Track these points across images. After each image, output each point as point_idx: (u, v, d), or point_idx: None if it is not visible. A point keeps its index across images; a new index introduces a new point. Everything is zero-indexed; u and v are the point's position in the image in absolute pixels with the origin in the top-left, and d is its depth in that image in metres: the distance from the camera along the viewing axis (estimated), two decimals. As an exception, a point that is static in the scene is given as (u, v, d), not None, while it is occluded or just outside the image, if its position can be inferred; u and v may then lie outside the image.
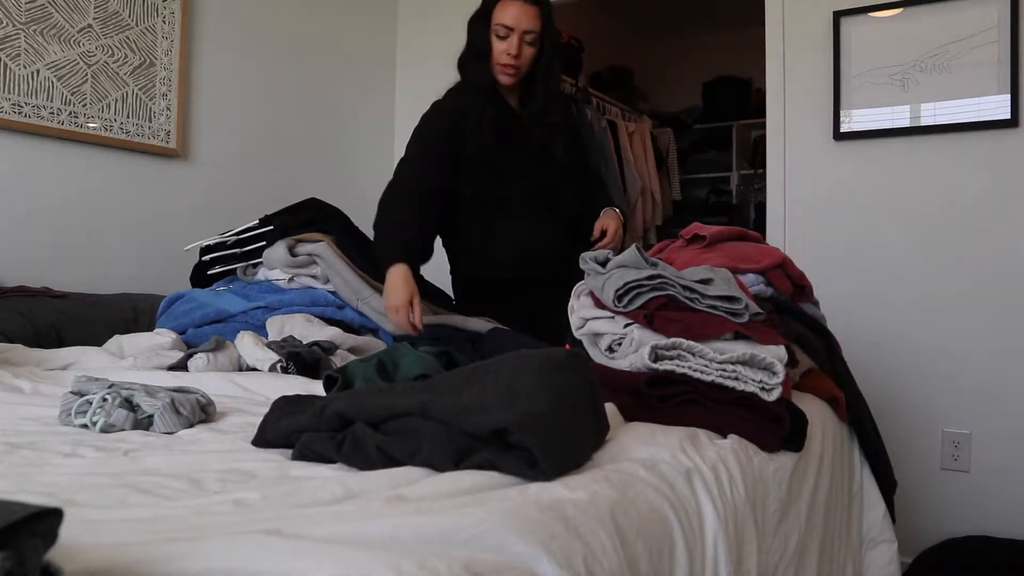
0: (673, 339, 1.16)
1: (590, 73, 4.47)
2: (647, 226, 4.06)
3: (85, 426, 1.05)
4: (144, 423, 1.07)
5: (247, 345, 1.60)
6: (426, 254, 1.91)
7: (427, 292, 1.97)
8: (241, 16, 2.88)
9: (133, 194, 2.52)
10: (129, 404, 1.08)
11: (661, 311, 1.21)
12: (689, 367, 1.13)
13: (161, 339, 1.72)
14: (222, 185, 2.80)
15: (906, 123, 2.48)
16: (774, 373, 1.12)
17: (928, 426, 2.44)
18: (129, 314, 2.04)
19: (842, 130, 2.57)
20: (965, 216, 2.40)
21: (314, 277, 1.92)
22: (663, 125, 4.85)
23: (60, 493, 0.72)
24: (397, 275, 1.74)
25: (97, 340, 1.83)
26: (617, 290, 1.23)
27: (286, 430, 0.92)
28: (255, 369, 1.56)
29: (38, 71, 2.24)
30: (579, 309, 1.34)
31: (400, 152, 2.01)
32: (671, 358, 1.15)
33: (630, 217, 3.78)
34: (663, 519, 0.79)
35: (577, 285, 1.40)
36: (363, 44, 3.44)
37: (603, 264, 1.33)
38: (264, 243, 1.97)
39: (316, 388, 1.32)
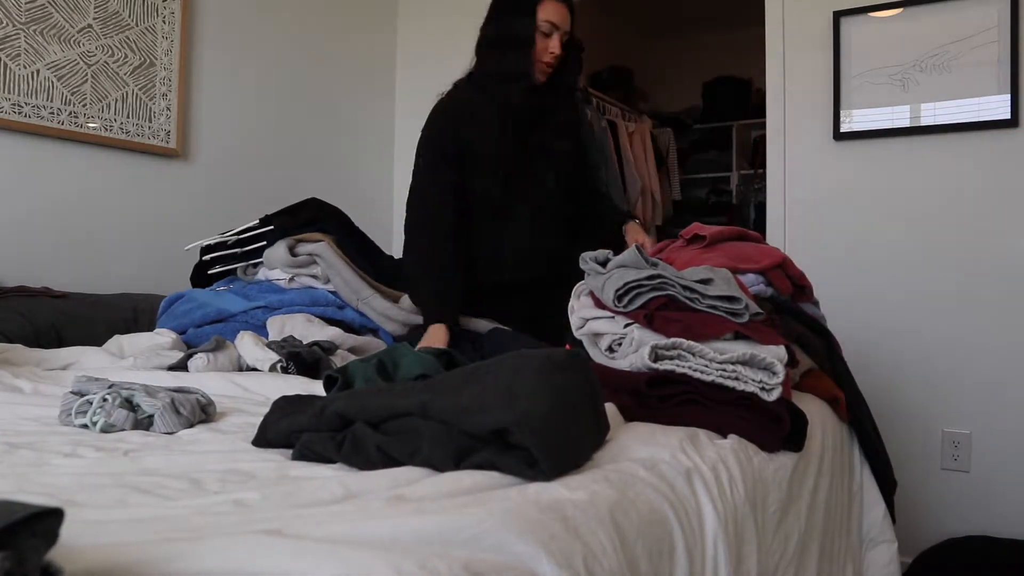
0: (673, 339, 1.16)
1: (590, 73, 4.47)
2: (647, 226, 4.06)
3: (85, 426, 1.05)
4: (144, 423, 1.07)
5: (247, 345, 1.60)
6: (462, 294, 1.90)
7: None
8: (241, 16, 2.88)
9: (133, 194, 2.52)
10: (129, 404, 1.08)
11: (661, 311, 1.21)
12: (689, 367, 1.13)
13: (161, 339, 1.72)
14: (222, 185, 2.80)
15: (906, 123, 2.48)
16: (774, 373, 1.12)
17: (928, 426, 2.44)
18: (129, 314, 2.04)
19: (842, 130, 2.57)
20: (965, 216, 2.40)
21: (314, 277, 1.92)
22: (663, 125, 4.85)
23: (60, 493, 0.72)
24: (438, 335, 1.76)
25: (97, 340, 1.83)
26: (617, 290, 1.23)
27: (286, 430, 0.92)
28: (255, 369, 1.56)
29: (38, 71, 2.24)
30: (579, 309, 1.34)
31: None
32: (671, 358, 1.15)
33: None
34: (663, 519, 0.79)
35: (577, 285, 1.40)
36: (363, 44, 3.44)
37: (603, 264, 1.33)
38: (264, 243, 1.97)
39: (316, 388, 1.32)
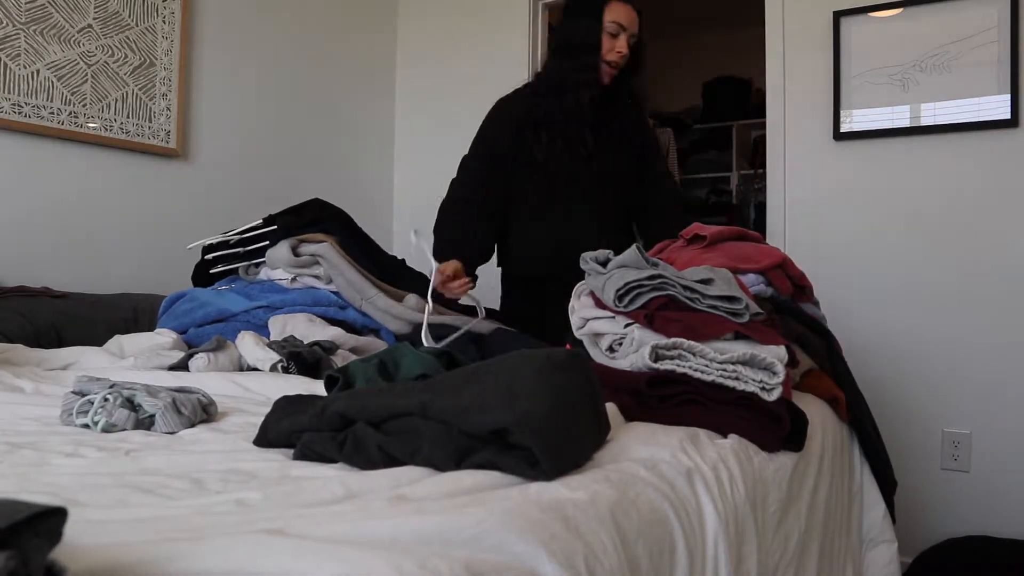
0: (673, 339, 1.16)
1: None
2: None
3: (86, 426, 1.05)
4: (145, 423, 1.07)
5: (248, 345, 1.60)
6: (480, 257, 2.02)
7: (432, 292, 1.98)
8: (241, 16, 2.88)
9: (133, 194, 2.52)
10: (130, 404, 1.08)
11: (661, 311, 1.21)
12: (689, 367, 1.13)
13: (162, 339, 1.72)
14: (222, 185, 2.80)
15: (906, 123, 2.48)
16: (774, 373, 1.12)
17: (928, 426, 2.44)
18: (129, 314, 2.04)
19: (842, 130, 2.57)
20: (965, 216, 2.40)
21: (317, 277, 1.93)
22: (663, 125, 4.85)
23: (61, 493, 0.72)
24: (447, 264, 1.85)
25: (97, 340, 1.83)
26: (618, 290, 1.23)
27: (287, 430, 0.92)
28: (256, 369, 1.57)
29: (38, 71, 2.24)
30: (580, 309, 1.34)
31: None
32: (671, 358, 1.15)
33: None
34: (663, 519, 0.79)
35: (578, 285, 1.40)
36: (363, 44, 3.44)
37: (603, 264, 1.33)
38: (267, 243, 1.97)
39: (317, 388, 1.32)
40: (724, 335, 1.19)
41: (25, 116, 2.21)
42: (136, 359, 1.62)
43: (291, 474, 0.82)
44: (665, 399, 1.13)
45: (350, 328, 1.84)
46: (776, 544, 1.08)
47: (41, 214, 2.28)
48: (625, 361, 1.21)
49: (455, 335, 1.70)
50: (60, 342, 1.85)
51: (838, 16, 2.57)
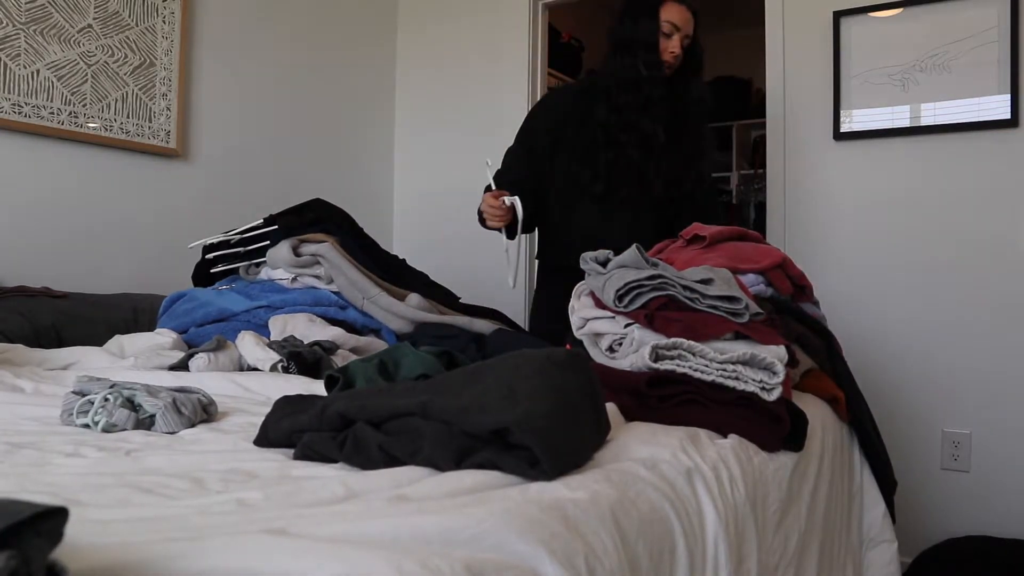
0: (673, 339, 1.16)
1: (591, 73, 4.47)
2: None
3: (87, 426, 1.06)
4: (146, 423, 1.08)
5: (248, 345, 1.60)
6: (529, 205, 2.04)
7: (434, 291, 1.98)
8: (241, 16, 2.89)
9: (133, 194, 2.52)
10: (131, 404, 1.08)
11: (661, 311, 1.21)
12: (689, 367, 1.13)
13: (162, 339, 1.72)
14: (222, 185, 2.80)
15: (906, 123, 2.48)
16: (774, 373, 1.12)
17: (928, 426, 2.44)
18: (129, 314, 2.04)
19: (842, 130, 2.57)
20: (965, 216, 2.40)
21: (317, 277, 1.93)
22: (663, 125, 4.83)
23: (62, 493, 0.72)
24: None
25: (97, 340, 1.83)
26: (618, 290, 1.23)
27: (288, 430, 0.92)
28: (256, 369, 1.57)
29: (38, 71, 2.24)
30: (580, 309, 1.34)
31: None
32: (671, 358, 1.15)
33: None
34: (664, 519, 0.79)
35: (578, 285, 1.40)
36: (364, 43, 3.44)
37: (603, 264, 1.33)
38: (268, 242, 1.97)
39: (317, 388, 1.32)
40: (724, 335, 1.19)
41: (25, 116, 2.21)
42: (136, 359, 1.62)
43: (292, 474, 0.82)
44: (665, 399, 1.13)
45: (350, 328, 1.84)
46: (776, 544, 1.08)
47: (41, 214, 2.28)
48: (625, 361, 1.21)
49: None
50: (60, 342, 1.85)
51: (838, 16, 2.57)
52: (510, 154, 2.17)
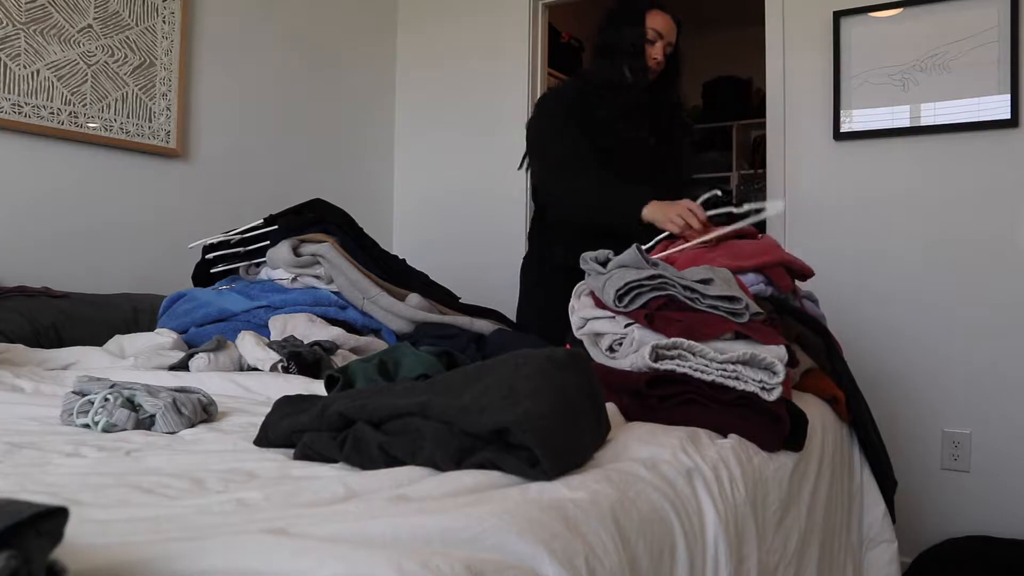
0: (673, 339, 1.16)
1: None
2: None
3: (87, 426, 1.06)
4: (146, 423, 1.08)
5: (248, 345, 1.60)
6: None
7: (434, 291, 1.98)
8: (241, 16, 2.89)
9: (133, 194, 2.52)
10: (131, 404, 1.08)
11: (661, 311, 1.21)
12: (689, 367, 1.13)
13: (162, 339, 1.72)
14: (222, 185, 2.80)
15: (906, 123, 2.48)
16: (774, 373, 1.12)
17: (928, 426, 2.44)
18: (129, 314, 2.04)
19: (842, 130, 2.57)
20: (965, 216, 2.40)
21: (317, 277, 1.93)
22: (663, 125, 4.84)
23: (62, 493, 0.72)
24: (652, 208, 1.87)
25: (97, 340, 1.83)
26: (618, 290, 1.23)
27: (288, 430, 0.92)
28: (256, 369, 1.57)
29: (38, 71, 2.24)
30: (580, 309, 1.34)
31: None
32: (672, 358, 1.15)
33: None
34: (664, 519, 0.79)
35: (578, 285, 1.40)
36: (364, 43, 3.44)
37: (603, 264, 1.33)
38: (267, 242, 1.97)
39: (317, 388, 1.32)
40: (724, 335, 1.19)
41: (25, 116, 2.21)
42: (136, 359, 1.62)
43: (292, 474, 0.82)
44: (665, 399, 1.13)
45: (351, 328, 1.84)
46: (776, 544, 1.08)
47: (41, 214, 2.28)
48: (625, 361, 1.21)
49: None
50: (60, 342, 1.85)
51: (838, 16, 2.57)
52: (575, 143, 2.04)
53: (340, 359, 1.64)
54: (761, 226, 2.92)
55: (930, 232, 2.45)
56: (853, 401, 1.58)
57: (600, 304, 1.30)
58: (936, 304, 2.44)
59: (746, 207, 1.79)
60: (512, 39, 3.27)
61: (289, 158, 3.07)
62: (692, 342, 1.15)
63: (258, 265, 2.03)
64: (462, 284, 2.30)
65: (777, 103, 2.70)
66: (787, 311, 1.53)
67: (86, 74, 2.36)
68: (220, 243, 2.08)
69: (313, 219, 1.99)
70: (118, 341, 1.75)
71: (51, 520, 0.41)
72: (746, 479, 0.99)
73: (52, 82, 2.27)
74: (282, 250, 1.92)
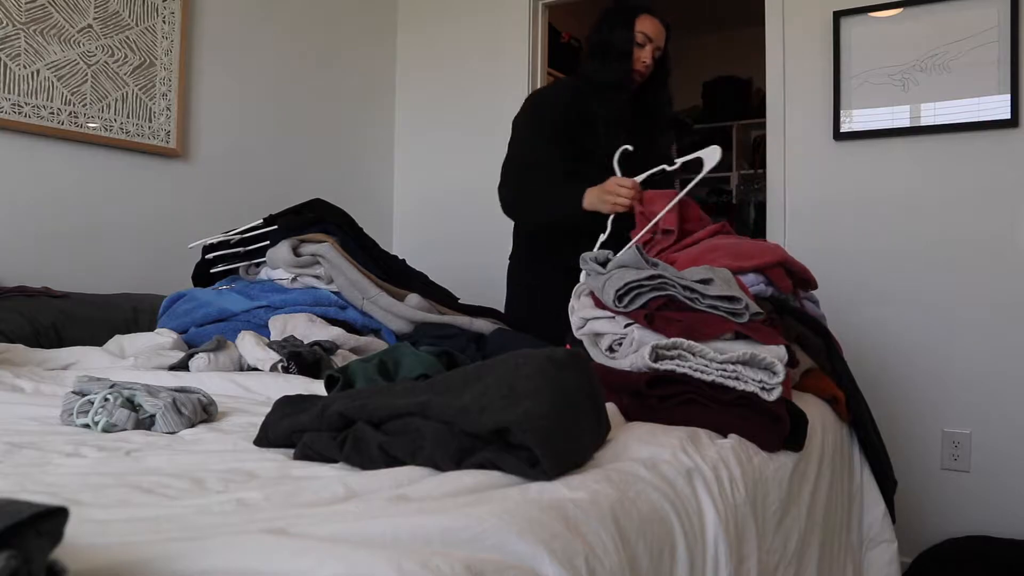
0: (673, 339, 1.16)
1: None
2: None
3: (87, 426, 1.06)
4: (146, 423, 1.08)
5: (248, 345, 1.60)
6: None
7: (433, 291, 1.98)
8: (241, 16, 2.89)
9: (133, 194, 2.52)
10: (131, 404, 1.08)
11: (661, 311, 1.21)
12: (689, 367, 1.13)
13: (162, 339, 1.72)
14: (222, 185, 2.80)
15: (906, 123, 2.48)
16: (774, 373, 1.12)
17: (928, 426, 2.44)
18: (129, 314, 2.04)
19: (842, 130, 2.57)
20: (965, 216, 2.40)
21: (317, 277, 1.93)
22: (663, 125, 4.84)
23: (62, 493, 0.72)
24: (591, 194, 1.92)
25: (97, 340, 1.83)
26: (617, 290, 1.23)
27: (288, 430, 0.92)
28: (256, 369, 1.57)
29: (38, 71, 2.24)
30: (579, 309, 1.34)
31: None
32: (671, 358, 1.15)
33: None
34: (664, 519, 0.79)
35: (578, 285, 1.40)
36: (364, 43, 3.44)
37: (603, 264, 1.33)
38: (267, 242, 1.97)
39: (317, 388, 1.32)
40: (724, 335, 1.19)
41: (25, 116, 2.21)
42: (136, 359, 1.62)
43: (292, 474, 0.82)
44: (665, 399, 1.13)
45: (350, 328, 1.84)
46: (776, 544, 1.08)
47: (41, 214, 2.28)
48: (625, 361, 1.21)
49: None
50: (60, 342, 1.85)
51: (838, 16, 2.57)
52: (536, 149, 2.11)
53: (340, 359, 1.64)
54: (760, 228, 2.92)
55: (930, 232, 2.45)
56: (853, 401, 1.58)
57: (600, 304, 1.30)
58: (936, 304, 2.43)
59: (679, 162, 1.85)
60: (512, 39, 3.27)
61: (289, 158, 3.07)
62: (692, 342, 1.15)
63: (258, 265, 2.03)
64: (462, 284, 2.30)
65: (777, 103, 2.70)
66: (787, 311, 1.53)
67: (86, 74, 2.36)
68: (220, 243, 2.08)
69: (313, 219, 1.99)
70: (118, 341, 1.75)
71: (51, 520, 0.41)
72: (746, 479, 0.99)
73: (52, 82, 2.27)
74: (282, 250, 1.92)
